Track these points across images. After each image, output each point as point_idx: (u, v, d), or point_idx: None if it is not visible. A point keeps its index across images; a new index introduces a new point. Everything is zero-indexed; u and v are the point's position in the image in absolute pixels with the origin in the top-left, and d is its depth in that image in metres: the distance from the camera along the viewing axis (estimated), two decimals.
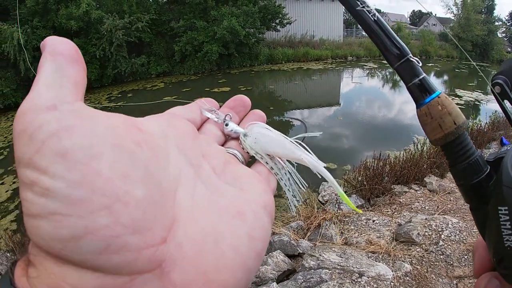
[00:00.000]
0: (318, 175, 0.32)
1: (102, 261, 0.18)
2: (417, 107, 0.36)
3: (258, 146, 0.31)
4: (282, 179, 0.32)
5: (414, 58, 0.35)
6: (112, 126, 0.20)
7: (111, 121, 0.21)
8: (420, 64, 0.35)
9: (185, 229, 0.21)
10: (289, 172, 0.32)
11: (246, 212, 0.25)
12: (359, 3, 0.35)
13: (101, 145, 0.19)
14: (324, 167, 0.32)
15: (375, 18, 0.35)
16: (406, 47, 0.35)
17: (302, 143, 0.33)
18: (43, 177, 0.17)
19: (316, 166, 0.32)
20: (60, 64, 0.21)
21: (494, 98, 0.44)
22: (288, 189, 0.32)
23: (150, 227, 0.19)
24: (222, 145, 0.32)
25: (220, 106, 0.35)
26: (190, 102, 0.34)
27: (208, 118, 0.32)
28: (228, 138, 0.33)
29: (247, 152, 0.32)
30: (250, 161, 0.33)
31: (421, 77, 0.35)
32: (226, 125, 0.32)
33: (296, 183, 0.33)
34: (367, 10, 0.35)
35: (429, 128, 0.35)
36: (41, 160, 0.17)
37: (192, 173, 0.25)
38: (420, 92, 0.35)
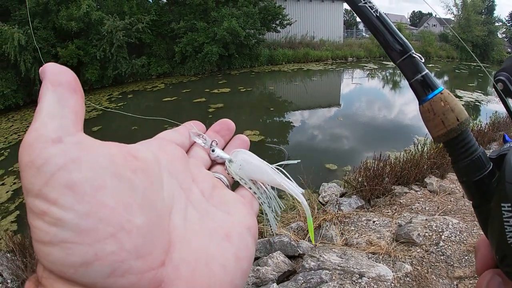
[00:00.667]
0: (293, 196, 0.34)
1: (109, 283, 0.19)
2: (419, 104, 0.35)
3: (243, 172, 0.33)
4: (264, 203, 0.34)
5: (417, 54, 0.35)
6: (111, 155, 0.22)
7: (109, 150, 0.22)
8: (423, 60, 0.35)
9: (180, 252, 0.23)
10: (271, 197, 0.35)
11: (233, 234, 0.27)
12: None
13: (104, 176, 0.20)
14: (302, 193, 0.34)
15: (378, 14, 0.35)
16: (408, 43, 0.35)
17: (282, 170, 0.35)
18: (53, 208, 0.19)
19: (294, 192, 0.34)
20: (61, 94, 0.22)
21: (495, 97, 0.43)
22: (270, 212, 0.35)
23: (150, 251, 0.21)
24: (209, 169, 0.34)
25: (208, 128, 0.37)
26: (179, 125, 0.35)
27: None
28: (214, 162, 0.34)
29: (232, 177, 0.34)
30: (234, 183, 0.35)
31: (423, 73, 0.35)
32: (213, 151, 0.34)
33: (277, 205, 0.35)
34: (369, 6, 0.35)
35: (431, 124, 0.34)
36: (51, 192, 0.19)
37: (183, 197, 0.26)
38: (423, 88, 0.35)
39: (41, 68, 0.23)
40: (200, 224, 0.26)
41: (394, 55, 0.35)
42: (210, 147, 0.34)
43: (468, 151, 0.33)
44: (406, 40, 0.35)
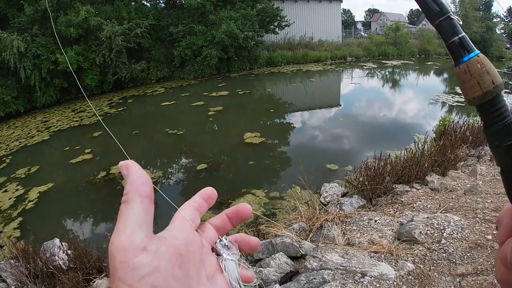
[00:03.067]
0: None
1: None
2: (456, 65, 0.36)
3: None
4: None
5: (455, 16, 0.36)
6: (170, 259, 0.32)
7: (168, 253, 0.32)
8: (461, 23, 0.36)
9: None
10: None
11: None
12: None
13: (170, 279, 0.31)
14: None
15: None
16: (446, 5, 0.36)
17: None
18: None
19: None
20: (146, 206, 0.32)
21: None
22: None
23: None
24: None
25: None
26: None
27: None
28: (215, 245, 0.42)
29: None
30: None
31: (461, 35, 0.36)
32: (221, 244, 0.41)
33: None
34: None
35: (467, 86, 0.35)
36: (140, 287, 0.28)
37: (196, 280, 0.35)
38: (460, 49, 0.36)
39: (124, 166, 0.34)
40: None
41: (432, 16, 0.37)
42: (219, 241, 0.41)
43: (501, 115, 0.34)
44: (444, 2, 0.36)
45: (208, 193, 0.42)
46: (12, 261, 3.46)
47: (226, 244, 0.41)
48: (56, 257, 3.49)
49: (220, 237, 0.41)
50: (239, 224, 0.45)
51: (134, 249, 0.29)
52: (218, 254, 0.40)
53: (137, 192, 0.32)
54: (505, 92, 13.67)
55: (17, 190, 6.66)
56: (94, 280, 3.32)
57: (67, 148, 8.92)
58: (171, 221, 0.38)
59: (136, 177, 0.33)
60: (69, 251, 3.64)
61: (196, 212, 0.40)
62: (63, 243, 3.74)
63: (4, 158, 8.71)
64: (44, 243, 3.73)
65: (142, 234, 0.31)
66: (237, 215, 0.43)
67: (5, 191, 6.71)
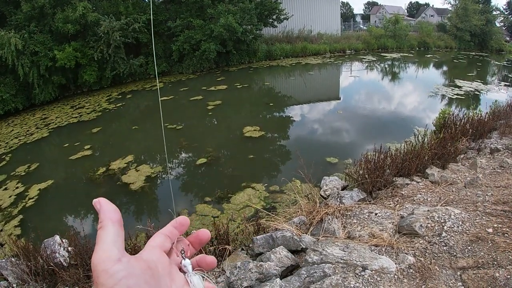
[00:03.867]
0: None
1: None
2: None
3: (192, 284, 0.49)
4: None
5: None
6: (140, 268, 0.40)
7: (139, 264, 0.41)
8: None
9: None
10: None
11: None
12: None
13: (141, 282, 0.39)
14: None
15: None
16: None
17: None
18: None
19: None
20: (117, 228, 0.42)
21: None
22: None
23: None
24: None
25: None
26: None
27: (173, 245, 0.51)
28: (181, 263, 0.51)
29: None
30: None
31: None
32: (184, 266, 0.49)
33: None
34: None
35: None
36: None
37: None
38: None
39: (96, 202, 0.43)
40: None
41: None
42: (184, 258, 0.50)
43: None
44: None
45: (180, 221, 0.52)
46: (13, 259, 3.46)
47: (189, 262, 0.50)
48: (57, 254, 3.49)
49: (183, 258, 0.50)
50: (200, 248, 0.54)
51: (111, 260, 0.38)
52: (184, 272, 0.49)
53: (109, 219, 0.42)
54: (505, 86, 13.65)
55: (17, 188, 6.66)
56: None
57: (67, 144, 8.91)
58: (144, 248, 0.47)
59: (107, 209, 0.43)
60: (69, 248, 3.64)
61: (167, 239, 0.49)
62: (64, 240, 3.74)
63: (3, 156, 8.70)
64: (45, 240, 3.73)
65: (116, 249, 0.39)
66: (197, 240, 0.53)
67: (5, 189, 6.70)
